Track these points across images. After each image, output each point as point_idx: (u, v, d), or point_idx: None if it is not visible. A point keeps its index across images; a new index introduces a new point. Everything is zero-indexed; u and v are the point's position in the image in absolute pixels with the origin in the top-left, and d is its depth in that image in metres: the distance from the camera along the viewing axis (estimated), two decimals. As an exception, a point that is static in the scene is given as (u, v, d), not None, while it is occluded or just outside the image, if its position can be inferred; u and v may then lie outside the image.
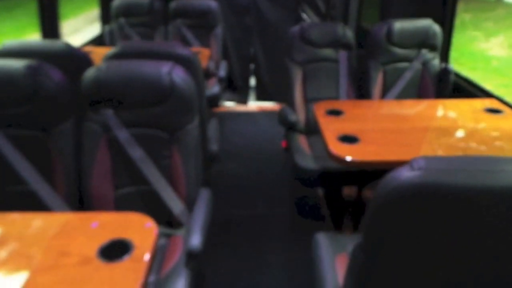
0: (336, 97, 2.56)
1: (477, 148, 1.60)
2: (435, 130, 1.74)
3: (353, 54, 2.63)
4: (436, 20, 2.46)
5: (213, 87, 3.23)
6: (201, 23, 3.48)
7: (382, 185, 0.91)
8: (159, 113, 1.55)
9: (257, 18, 3.89)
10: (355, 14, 3.74)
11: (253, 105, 4.25)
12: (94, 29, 3.92)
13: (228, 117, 3.93)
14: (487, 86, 2.40)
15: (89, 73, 1.53)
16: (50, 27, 2.38)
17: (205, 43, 3.50)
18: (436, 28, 2.42)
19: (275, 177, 2.85)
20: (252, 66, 4.14)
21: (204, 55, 2.84)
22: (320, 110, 1.87)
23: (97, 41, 3.43)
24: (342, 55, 2.60)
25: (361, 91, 2.58)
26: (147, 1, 3.39)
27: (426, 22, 2.43)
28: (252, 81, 4.22)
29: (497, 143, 1.64)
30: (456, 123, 1.82)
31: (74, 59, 1.81)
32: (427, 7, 2.70)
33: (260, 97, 4.24)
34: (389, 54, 2.45)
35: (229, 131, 3.61)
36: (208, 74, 3.42)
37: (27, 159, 1.45)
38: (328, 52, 2.59)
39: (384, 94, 2.49)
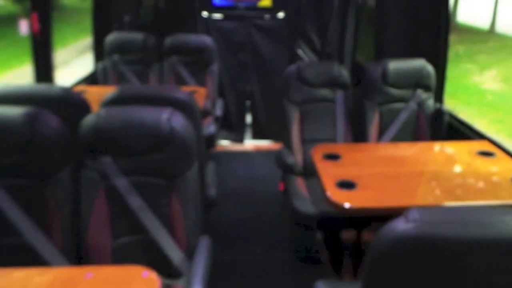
0: (333, 138, 2.65)
1: (470, 194, 1.67)
2: (430, 174, 1.81)
3: (350, 94, 2.74)
4: (430, 59, 2.59)
5: (209, 127, 3.30)
6: (196, 60, 3.59)
7: (379, 237, 0.96)
8: (158, 160, 1.60)
9: (253, 55, 4.03)
10: (350, 50, 3.90)
11: (249, 144, 4.32)
12: (83, 61, 4.02)
13: (224, 157, 3.98)
14: (482, 121, 2.53)
15: (88, 120, 1.59)
16: (44, 71, 2.46)
17: (200, 81, 3.60)
18: (430, 68, 2.54)
19: (273, 221, 2.89)
20: (248, 103, 4.25)
21: (200, 95, 2.93)
22: (317, 155, 1.95)
23: (90, 79, 3.51)
24: (339, 95, 2.70)
25: (358, 132, 2.67)
26: (141, 37, 3.50)
27: (419, 63, 2.55)
28: (248, 119, 4.32)
29: (489, 188, 1.72)
30: (450, 167, 1.90)
31: (71, 104, 1.87)
32: (420, 47, 2.85)
33: (256, 135, 4.33)
34: (384, 95, 2.56)
35: (225, 173, 3.66)
36: (204, 113, 3.51)
37: (22, 209, 1.47)
38: (325, 92, 2.70)
39: (380, 135, 2.58)
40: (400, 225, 0.93)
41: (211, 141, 3.35)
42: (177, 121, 1.60)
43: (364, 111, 2.60)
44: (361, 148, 2.17)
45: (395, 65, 2.52)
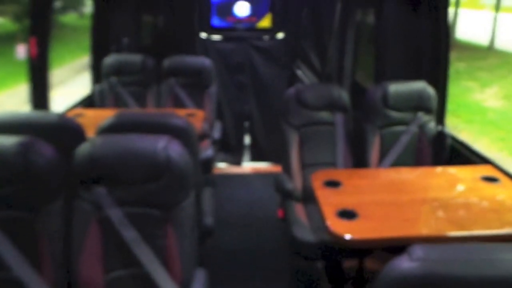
0: (333, 162, 2.63)
1: (475, 222, 1.64)
2: (433, 201, 1.78)
3: (349, 116, 2.73)
4: (430, 81, 2.59)
5: (207, 150, 3.29)
6: (194, 82, 3.60)
7: (383, 275, 0.94)
8: (154, 190, 1.58)
9: (252, 76, 4.05)
10: (349, 70, 3.92)
11: (248, 166, 4.30)
12: (80, 80, 4.03)
13: (222, 180, 3.96)
14: (485, 139, 2.51)
15: (82, 149, 1.57)
16: (40, 95, 2.46)
17: (199, 103, 3.60)
18: (430, 91, 2.54)
19: (272, 250, 2.84)
20: (246, 124, 4.24)
21: (198, 117, 2.92)
22: (317, 182, 1.92)
23: (87, 101, 3.51)
24: (339, 118, 2.69)
25: (358, 155, 2.65)
26: (139, 59, 3.52)
27: (420, 85, 2.55)
28: (247, 140, 4.31)
29: (495, 216, 1.68)
30: (453, 194, 1.87)
31: (67, 132, 1.86)
32: (420, 68, 2.86)
33: (255, 158, 4.31)
34: (385, 118, 2.55)
35: (223, 197, 3.63)
36: (201, 136, 3.50)
37: (11, 242, 1.44)
38: (324, 115, 2.69)
39: (381, 159, 2.56)
40: (404, 264, 0.92)
41: (208, 165, 3.33)
42: (174, 149, 1.58)
43: (364, 134, 2.58)
44: (361, 174, 2.15)
45: (395, 87, 2.52)
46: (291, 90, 2.71)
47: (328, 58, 3.98)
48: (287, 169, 2.64)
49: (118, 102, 3.55)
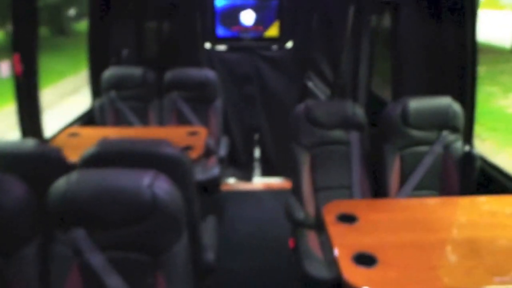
0: (348, 185, 2.42)
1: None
2: (465, 243, 1.55)
3: (366, 135, 2.51)
4: (456, 96, 2.36)
5: (213, 169, 3.11)
6: (198, 96, 3.43)
7: None
8: (139, 233, 1.39)
9: (260, 88, 3.85)
10: (365, 80, 3.70)
11: (258, 182, 4.10)
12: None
13: (230, 197, 3.77)
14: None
15: (57, 186, 1.39)
16: (29, 117, 2.30)
17: (203, 118, 3.42)
18: (457, 107, 2.31)
19: (282, 283, 2.62)
20: (256, 137, 4.04)
21: (201, 136, 2.74)
22: (330, 216, 1.71)
23: (87, 117, 3.37)
24: (354, 137, 2.48)
25: (376, 178, 2.43)
26: (140, 72, 3.36)
27: (445, 101, 2.32)
28: (256, 153, 4.11)
29: None
30: (489, 233, 1.62)
31: (46, 163, 1.69)
32: (444, 81, 2.62)
33: (265, 173, 4.11)
34: (406, 137, 2.33)
35: (231, 216, 3.44)
36: (207, 153, 3.32)
37: None
38: (337, 134, 2.48)
39: (402, 183, 2.34)
40: None
41: (214, 184, 3.14)
42: (161, 186, 1.39)
43: (383, 155, 2.36)
44: (380, 206, 1.92)
45: (417, 104, 2.29)
46: (300, 107, 2.50)
47: (341, 68, 3.76)
48: (297, 193, 2.43)
49: (118, 118, 3.40)
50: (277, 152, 4.04)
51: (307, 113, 2.46)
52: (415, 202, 1.91)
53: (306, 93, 3.82)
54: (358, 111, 2.49)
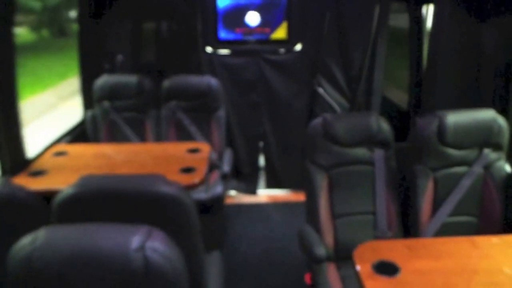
0: (372, 211, 2.09)
1: None
2: None
3: (392, 153, 2.18)
4: (500, 109, 2.03)
5: (215, 186, 2.78)
6: (200, 106, 3.10)
7: None
8: None
9: (266, 94, 3.52)
10: (380, 86, 3.37)
11: (263, 194, 3.78)
12: (68, 109, 3.51)
13: (233, 212, 3.45)
14: None
15: (18, 248, 1.05)
16: (6, 139, 1.98)
17: (205, 129, 3.10)
18: (502, 122, 1.98)
19: None
20: (261, 144, 3.71)
21: (204, 154, 2.42)
22: (364, 265, 1.38)
23: (78, 130, 3.04)
24: (378, 155, 2.15)
25: (405, 203, 2.10)
26: (135, 80, 3.03)
27: (487, 114, 1.99)
28: (261, 162, 3.78)
29: None
30: None
31: (10, 210, 1.35)
32: (484, 91, 2.29)
33: (270, 184, 3.78)
34: (441, 157, 2.00)
35: (234, 235, 3.12)
36: (209, 167, 3.00)
37: None
38: (360, 152, 2.15)
39: (435, 208, 2.02)
40: None
41: (217, 203, 2.81)
42: (155, 248, 1.05)
43: (414, 177, 2.04)
44: (424, 247, 1.58)
45: (454, 118, 1.96)
46: (317, 122, 2.17)
47: (354, 73, 3.43)
48: (313, 220, 2.11)
49: (113, 130, 3.08)
50: (283, 163, 3.72)
51: (325, 129, 2.13)
52: (465, 241, 1.57)
53: (316, 100, 3.49)
54: (384, 126, 2.16)
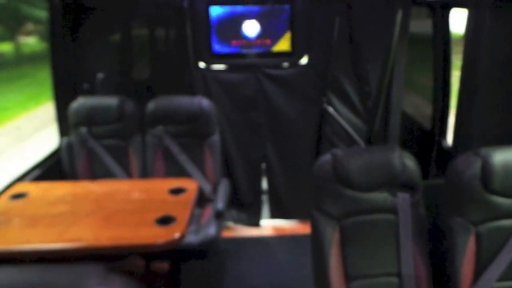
0: (396, 273, 1.66)
1: None
2: None
3: (419, 197, 1.74)
4: None
5: (208, 227, 2.37)
6: (190, 131, 2.70)
7: None
8: None
9: (268, 114, 3.10)
10: (399, 102, 2.92)
11: (267, 225, 3.35)
12: None
13: (233, 248, 3.03)
14: None
15: None
16: None
17: (197, 158, 2.69)
18: None
19: None
20: (263, 171, 3.29)
21: (189, 196, 2.01)
22: None
23: (54, 158, 2.67)
24: (402, 200, 1.71)
25: (438, 263, 1.66)
26: (116, 103, 2.64)
27: None
28: (264, 192, 3.36)
29: None
30: None
31: None
32: None
33: (275, 214, 3.36)
34: (486, 208, 1.56)
35: (234, 279, 2.70)
36: (201, 201, 2.59)
37: None
38: (379, 197, 1.71)
39: (478, 270, 1.57)
40: None
41: (211, 247, 2.39)
42: None
43: (450, 232, 1.60)
44: None
45: (504, 158, 1.52)
46: (325, 161, 1.74)
47: (369, 88, 2.98)
48: (322, 283, 1.68)
49: (91, 160, 2.71)
50: (289, 190, 3.30)
51: (336, 169, 1.70)
52: None
53: (325, 120, 3.05)
54: (409, 164, 1.72)
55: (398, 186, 1.71)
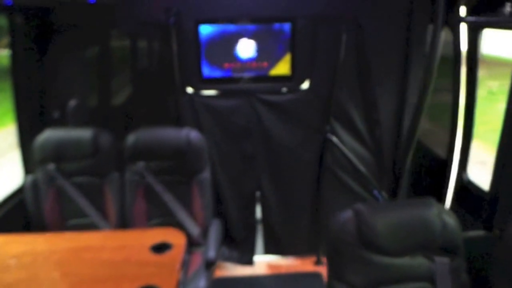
0: None
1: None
2: None
3: (461, 262, 1.42)
4: None
5: (197, 279, 2.03)
6: (176, 167, 2.35)
7: None
8: None
9: (264, 144, 2.76)
10: (415, 131, 2.60)
11: (262, 262, 3.01)
12: None
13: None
14: None
15: None
16: None
17: (184, 197, 2.35)
18: None
19: None
20: (257, 206, 2.95)
21: (175, 255, 1.65)
22: None
23: (17, 198, 2.29)
24: (441, 267, 1.39)
25: None
26: (89, 135, 2.28)
27: None
28: (258, 227, 3.02)
29: None
30: None
31: None
32: None
33: (270, 250, 3.01)
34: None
35: None
36: (190, 246, 2.25)
37: None
38: (414, 263, 1.39)
39: None
40: None
41: None
42: None
43: None
44: None
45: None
46: (345, 219, 1.41)
47: (378, 115, 2.68)
48: None
49: (61, 201, 2.34)
50: (285, 226, 2.97)
51: (360, 230, 1.37)
52: None
53: (328, 151, 2.73)
54: (450, 222, 1.40)
55: (436, 249, 1.39)
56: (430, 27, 2.46)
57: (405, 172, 2.42)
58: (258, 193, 2.88)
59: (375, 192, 2.74)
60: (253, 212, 2.94)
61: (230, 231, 2.91)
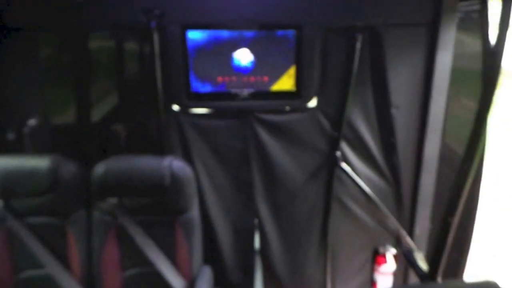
0: None
1: None
2: None
3: None
4: None
5: None
6: (157, 205, 1.91)
7: None
8: None
9: (263, 170, 2.34)
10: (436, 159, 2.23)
11: None
12: None
13: None
14: None
15: None
16: None
17: (166, 242, 1.91)
18: None
19: None
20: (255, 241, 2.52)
21: None
22: None
23: None
24: None
25: None
26: (46, 165, 1.82)
27: None
28: (257, 270, 2.59)
29: None
30: None
31: None
32: None
33: (268, 286, 2.60)
34: None
35: None
36: None
37: None
38: None
39: None
40: None
41: None
42: None
43: None
44: None
45: None
46: None
47: (393, 139, 2.29)
48: None
49: (11, 247, 1.91)
50: (288, 264, 2.56)
51: None
52: None
53: (337, 178, 2.33)
54: None
55: None
56: (459, 37, 2.08)
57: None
58: (256, 229, 2.46)
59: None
60: (250, 251, 2.52)
61: (224, 273, 2.49)
